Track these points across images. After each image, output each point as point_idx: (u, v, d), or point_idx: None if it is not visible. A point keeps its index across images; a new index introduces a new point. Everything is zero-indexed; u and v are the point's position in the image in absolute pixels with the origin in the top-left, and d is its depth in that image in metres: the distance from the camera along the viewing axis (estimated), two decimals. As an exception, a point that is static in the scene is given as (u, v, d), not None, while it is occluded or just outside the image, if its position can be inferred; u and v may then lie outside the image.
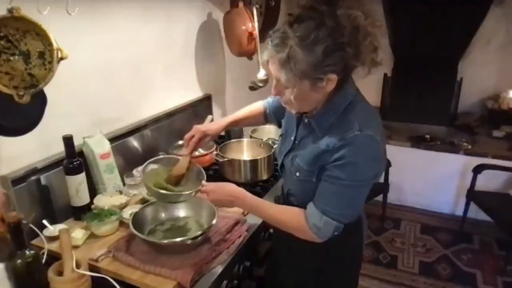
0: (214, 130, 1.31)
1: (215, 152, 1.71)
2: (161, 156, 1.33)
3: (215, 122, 1.36)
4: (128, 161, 1.64)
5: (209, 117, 1.42)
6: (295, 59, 0.89)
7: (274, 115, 1.37)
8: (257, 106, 1.42)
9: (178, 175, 1.24)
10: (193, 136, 1.27)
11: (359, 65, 0.92)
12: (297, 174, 1.07)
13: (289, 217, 1.07)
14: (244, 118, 1.40)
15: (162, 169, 1.26)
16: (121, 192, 1.47)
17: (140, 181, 1.46)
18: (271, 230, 1.44)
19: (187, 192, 1.16)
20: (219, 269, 1.14)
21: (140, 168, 1.25)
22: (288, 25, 0.90)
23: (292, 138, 1.13)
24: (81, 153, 1.40)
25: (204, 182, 1.18)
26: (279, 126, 1.34)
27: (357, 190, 1.00)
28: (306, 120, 1.07)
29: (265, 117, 1.41)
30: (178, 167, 1.25)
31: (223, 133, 2.18)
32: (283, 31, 0.90)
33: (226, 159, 1.64)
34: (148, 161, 1.26)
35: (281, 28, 0.92)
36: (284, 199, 1.24)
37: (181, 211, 1.33)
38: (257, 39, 2.07)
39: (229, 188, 1.14)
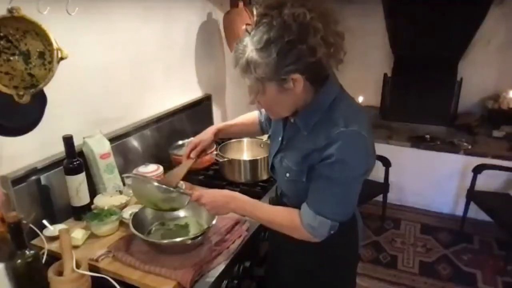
0: (209, 145, 1.36)
1: (215, 152, 1.71)
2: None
3: (208, 133, 1.36)
4: (128, 161, 1.64)
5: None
6: (254, 63, 0.91)
7: (268, 124, 1.35)
8: (252, 114, 1.44)
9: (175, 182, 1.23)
10: (192, 150, 1.31)
11: (317, 61, 0.90)
12: (287, 175, 1.08)
13: (283, 217, 1.07)
14: (235, 124, 1.42)
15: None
16: (121, 192, 1.47)
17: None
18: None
19: (177, 202, 1.16)
20: (219, 269, 1.14)
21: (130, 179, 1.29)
22: (247, 33, 0.93)
23: (280, 138, 1.13)
24: (81, 153, 1.40)
25: (190, 191, 1.16)
26: None
27: (348, 187, 1.00)
28: (292, 120, 1.08)
29: (261, 127, 1.42)
30: (176, 174, 1.26)
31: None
32: (243, 40, 0.94)
33: (226, 159, 1.64)
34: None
35: (243, 39, 0.95)
36: (278, 200, 1.24)
37: (181, 211, 1.33)
38: (257, 39, 2.07)
39: (223, 191, 1.15)
